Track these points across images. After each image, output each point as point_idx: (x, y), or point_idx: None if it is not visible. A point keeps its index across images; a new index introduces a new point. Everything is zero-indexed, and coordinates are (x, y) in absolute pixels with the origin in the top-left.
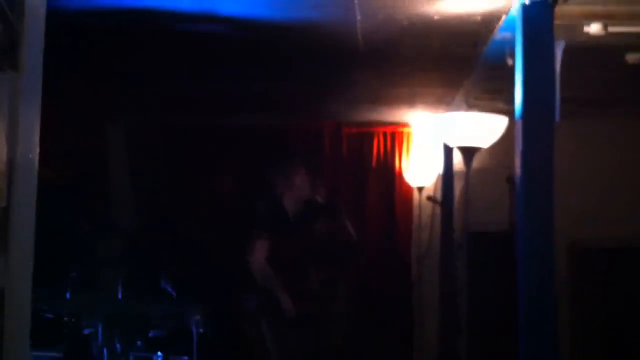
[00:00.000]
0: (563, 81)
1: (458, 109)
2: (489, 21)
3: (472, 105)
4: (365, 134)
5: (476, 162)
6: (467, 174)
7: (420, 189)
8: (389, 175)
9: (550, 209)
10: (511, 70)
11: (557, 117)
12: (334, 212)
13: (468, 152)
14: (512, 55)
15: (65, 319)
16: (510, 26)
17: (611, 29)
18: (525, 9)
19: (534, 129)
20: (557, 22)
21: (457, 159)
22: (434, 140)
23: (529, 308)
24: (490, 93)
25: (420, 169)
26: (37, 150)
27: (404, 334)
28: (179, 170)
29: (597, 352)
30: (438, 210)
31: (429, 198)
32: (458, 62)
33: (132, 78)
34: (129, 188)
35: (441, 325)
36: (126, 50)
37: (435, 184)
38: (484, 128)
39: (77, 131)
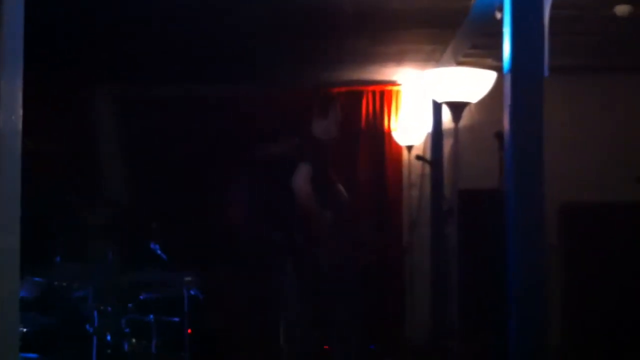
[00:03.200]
0: (553, 41)
1: (447, 66)
2: None
3: (461, 62)
4: (354, 94)
5: (466, 120)
6: (456, 130)
7: (409, 148)
8: (379, 135)
9: (540, 164)
10: (500, 25)
11: (546, 72)
12: (325, 175)
13: (456, 108)
14: (501, 9)
15: (55, 283)
16: None
17: None
18: None
19: (522, 83)
20: None
21: (447, 118)
22: (423, 98)
23: (518, 267)
24: (479, 49)
25: (409, 127)
26: (21, 112)
27: (396, 297)
28: (169, 141)
29: (590, 312)
30: (428, 169)
31: (418, 157)
32: (446, 18)
33: (119, 48)
34: (119, 157)
35: (432, 288)
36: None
37: (425, 143)
38: (472, 83)
39: (64, 101)
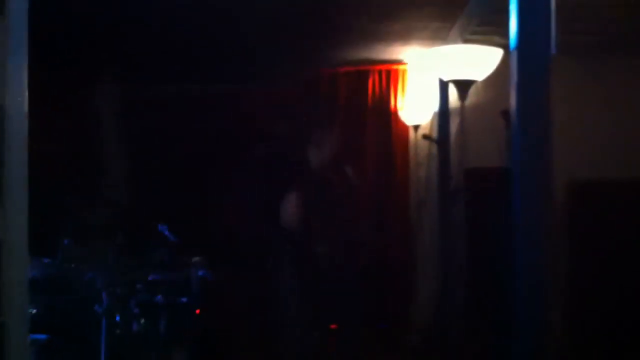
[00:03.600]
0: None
1: (453, 44)
2: None
3: (467, 40)
4: (360, 73)
5: (472, 99)
6: (462, 109)
7: (416, 128)
8: (385, 115)
9: (548, 142)
10: (507, 1)
11: (554, 49)
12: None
13: (463, 86)
14: None
15: (64, 264)
16: None
17: None
18: None
19: (529, 60)
20: None
21: (453, 97)
22: (429, 76)
23: (525, 246)
24: (486, 26)
25: (415, 107)
26: (26, 94)
27: (403, 277)
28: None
29: (595, 289)
30: (434, 148)
31: (425, 136)
32: None
33: (121, 40)
34: (123, 148)
35: (440, 266)
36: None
37: (431, 122)
38: (478, 60)
39: (67, 98)
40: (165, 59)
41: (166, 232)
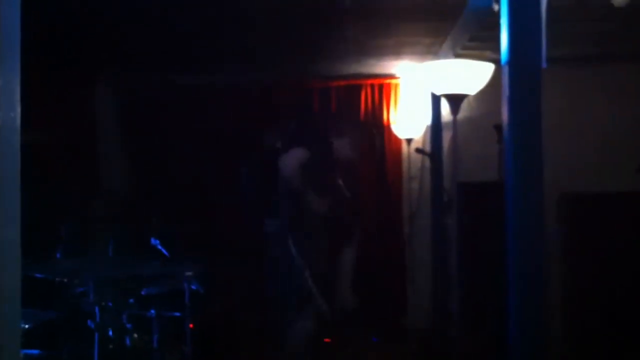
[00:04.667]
0: (552, 32)
1: (445, 58)
2: None
3: (459, 54)
4: (353, 87)
5: (465, 112)
6: (455, 123)
7: (409, 141)
8: (378, 128)
9: (539, 155)
10: (498, 17)
11: (544, 64)
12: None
13: (455, 100)
14: (498, 0)
15: (57, 279)
16: None
17: None
18: None
19: (520, 75)
20: None
21: (446, 110)
22: (422, 90)
23: (518, 259)
24: (477, 41)
25: (408, 121)
26: (19, 109)
27: (397, 288)
28: (168, 129)
29: (590, 300)
30: (427, 162)
31: (418, 150)
32: (444, 10)
33: (120, 36)
34: (119, 149)
35: (433, 279)
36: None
37: (424, 136)
38: (470, 75)
39: (65, 92)
40: (159, 50)
41: (159, 246)
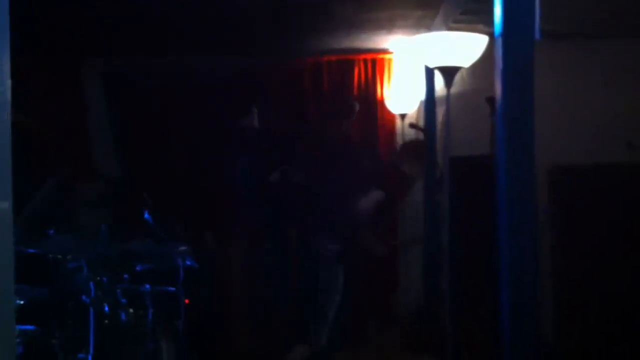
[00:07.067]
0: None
1: (438, 31)
2: None
3: (451, 27)
4: (345, 62)
5: (458, 87)
6: (448, 96)
7: (402, 116)
8: (371, 104)
9: (531, 128)
10: None
11: (538, 35)
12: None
13: (448, 73)
14: None
15: (50, 255)
16: None
17: None
18: None
19: (513, 47)
20: None
21: (439, 85)
22: (415, 65)
23: (510, 233)
24: (469, 14)
25: (402, 96)
26: (9, 82)
27: (388, 265)
28: (158, 113)
29: (580, 275)
30: (421, 137)
31: (412, 125)
32: None
33: (108, 20)
34: (110, 131)
35: (425, 258)
36: None
37: (418, 111)
38: (463, 47)
39: (54, 75)
40: (144, 29)
41: (152, 222)
